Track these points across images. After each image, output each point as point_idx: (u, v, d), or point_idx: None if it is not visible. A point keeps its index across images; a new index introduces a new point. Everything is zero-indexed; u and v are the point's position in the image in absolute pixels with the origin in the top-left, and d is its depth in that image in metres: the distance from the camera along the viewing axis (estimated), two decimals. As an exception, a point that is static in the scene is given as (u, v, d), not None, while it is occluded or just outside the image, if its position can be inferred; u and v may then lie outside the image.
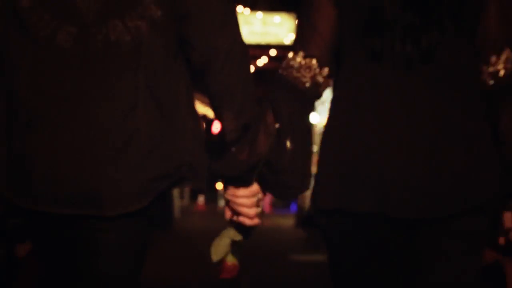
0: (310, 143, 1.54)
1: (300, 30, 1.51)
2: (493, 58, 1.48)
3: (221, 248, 1.55)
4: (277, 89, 1.50)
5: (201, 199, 26.04)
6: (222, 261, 1.57)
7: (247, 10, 24.76)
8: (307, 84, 1.46)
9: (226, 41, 1.47)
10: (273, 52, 22.84)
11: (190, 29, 1.46)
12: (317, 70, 1.46)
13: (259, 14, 26.44)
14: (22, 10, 1.39)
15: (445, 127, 1.43)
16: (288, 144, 1.46)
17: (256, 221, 1.52)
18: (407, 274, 1.46)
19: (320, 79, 1.47)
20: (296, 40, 1.51)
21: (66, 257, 1.44)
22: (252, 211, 1.50)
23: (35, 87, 1.39)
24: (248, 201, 1.50)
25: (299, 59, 1.47)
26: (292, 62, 1.47)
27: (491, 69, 1.48)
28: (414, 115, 1.42)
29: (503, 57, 1.49)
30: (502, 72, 1.48)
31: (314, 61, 1.46)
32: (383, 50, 1.42)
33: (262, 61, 23.66)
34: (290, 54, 1.48)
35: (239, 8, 23.81)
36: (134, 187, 1.41)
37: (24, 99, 1.39)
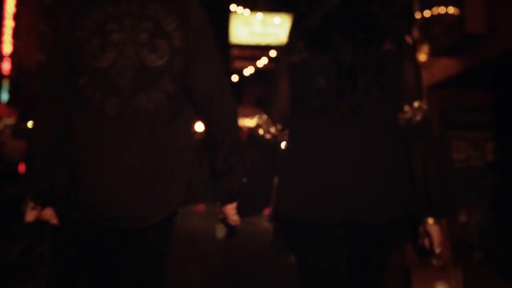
0: (267, 179, 2.16)
1: (266, 99, 2.17)
2: (406, 108, 2.01)
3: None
4: (247, 142, 2.15)
5: (201, 200, 26.06)
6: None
7: (247, 11, 24.77)
8: (267, 136, 2.12)
9: (220, 108, 2.05)
10: (273, 53, 22.87)
11: (194, 98, 2.03)
12: (272, 126, 2.11)
13: (259, 15, 26.41)
14: (80, 87, 1.94)
15: (374, 161, 1.95)
16: (246, 182, 2.08)
17: (238, 222, 2.15)
18: (352, 264, 2.01)
19: (275, 132, 2.11)
20: (264, 106, 2.17)
21: (111, 258, 1.98)
22: (236, 216, 2.13)
23: (88, 141, 1.93)
24: (233, 211, 2.12)
25: (264, 118, 2.13)
26: (258, 121, 2.15)
27: (405, 116, 2.01)
28: (349, 152, 1.95)
29: (415, 106, 2.01)
30: (413, 119, 2.00)
31: (270, 120, 2.11)
32: (323, 107, 1.98)
33: (262, 62, 23.69)
34: (259, 115, 2.16)
35: (239, 9, 23.79)
36: (160, 205, 1.96)
37: (81, 148, 1.93)
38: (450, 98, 10.17)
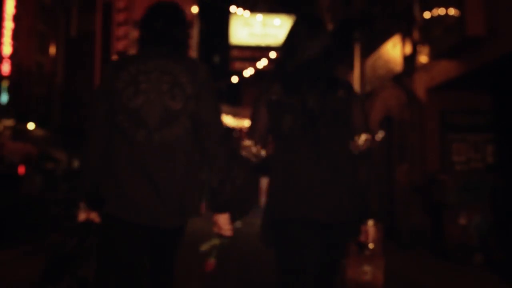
0: (251, 192, 2.74)
1: (249, 125, 2.76)
2: (356, 138, 2.66)
3: (208, 244, 2.71)
4: (235, 162, 2.69)
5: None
6: (206, 258, 2.71)
7: (247, 12, 24.75)
8: (249, 156, 2.69)
9: (219, 137, 2.69)
10: (272, 54, 22.84)
11: (201, 132, 2.69)
12: (253, 147, 2.69)
13: (259, 16, 26.36)
14: (119, 121, 2.63)
15: (335, 177, 2.59)
16: (233, 193, 2.65)
17: (230, 233, 2.70)
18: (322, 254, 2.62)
19: (255, 152, 2.69)
20: (247, 131, 2.74)
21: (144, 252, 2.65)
22: (228, 227, 2.70)
23: (126, 162, 2.61)
24: (225, 222, 2.69)
25: (246, 142, 2.70)
26: (243, 144, 2.72)
27: (354, 144, 2.67)
28: (314, 167, 2.57)
29: (362, 138, 2.66)
30: (360, 147, 2.66)
31: (253, 143, 2.69)
32: (290, 135, 2.61)
33: (262, 63, 23.66)
34: (244, 139, 2.73)
35: (239, 11, 23.75)
36: (185, 213, 2.67)
37: (122, 166, 2.61)
38: (450, 100, 10.15)
